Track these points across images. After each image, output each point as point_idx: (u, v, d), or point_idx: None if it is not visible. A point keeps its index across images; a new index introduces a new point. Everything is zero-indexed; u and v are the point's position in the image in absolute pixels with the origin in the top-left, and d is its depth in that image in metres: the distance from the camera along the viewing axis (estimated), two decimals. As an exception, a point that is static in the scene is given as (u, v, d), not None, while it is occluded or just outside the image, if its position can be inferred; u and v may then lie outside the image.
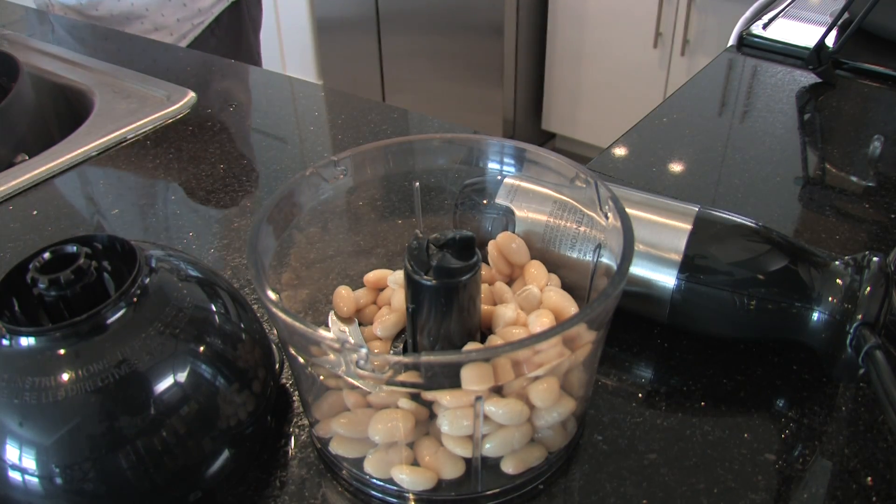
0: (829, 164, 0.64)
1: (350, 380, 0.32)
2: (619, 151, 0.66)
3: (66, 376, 0.32)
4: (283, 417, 0.40)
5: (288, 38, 2.65)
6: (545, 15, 2.26)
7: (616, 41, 2.17)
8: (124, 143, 0.68)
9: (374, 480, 0.36)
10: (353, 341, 0.41)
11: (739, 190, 0.59)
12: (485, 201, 0.45)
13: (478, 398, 0.32)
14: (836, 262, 0.40)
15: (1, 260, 0.54)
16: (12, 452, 0.32)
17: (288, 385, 0.42)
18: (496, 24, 2.16)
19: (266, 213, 0.37)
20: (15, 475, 0.32)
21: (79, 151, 0.65)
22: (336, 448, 0.36)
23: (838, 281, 0.39)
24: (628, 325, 0.44)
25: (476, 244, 0.36)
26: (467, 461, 0.34)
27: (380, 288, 0.43)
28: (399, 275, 0.42)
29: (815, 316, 0.39)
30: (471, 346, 0.37)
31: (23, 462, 0.32)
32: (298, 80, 0.81)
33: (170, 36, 1.10)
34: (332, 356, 0.31)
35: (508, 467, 0.35)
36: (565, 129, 2.44)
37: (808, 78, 0.76)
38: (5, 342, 0.33)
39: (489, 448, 0.34)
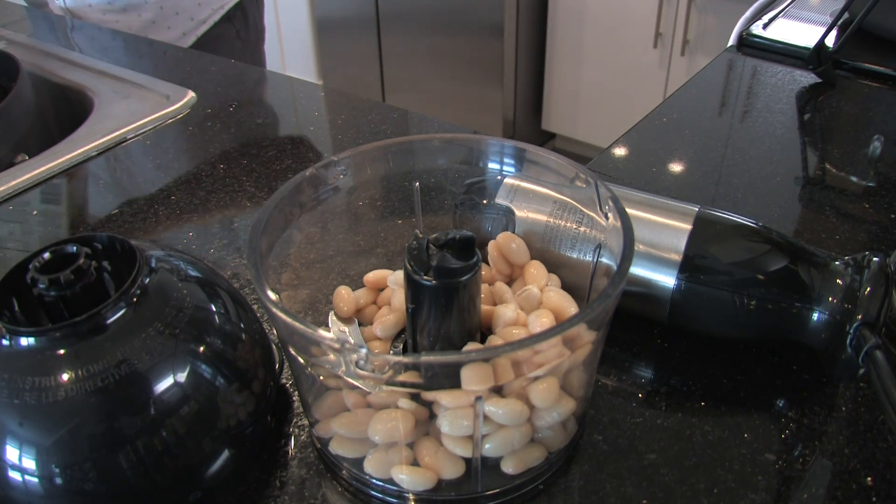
0: (829, 164, 0.64)
1: (350, 380, 0.32)
2: (619, 151, 0.66)
3: (66, 376, 0.32)
4: (283, 417, 0.40)
5: (288, 38, 2.65)
6: (545, 15, 2.26)
7: (616, 41, 2.17)
8: (124, 143, 0.68)
9: (374, 480, 0.36)
10: (353, 341, 0.41)
11: (739, 190, 0.60)
12: (485, 201, 0.45)
13: (478, 398, 0.32)
14: (836, 262, 0.40)
15: (1, 260, 0.54)
16: (12, 452, 0.32)
17: (288, 385, 0.42)
18: (496, 24, 2.16)
19: (266, 214, 0.37)
20: (15, 475, 0.32)
21: (79, 151, 0.65)
22: (336, 448, 0.36)
23: (838, 281, 0.39)
24: (628, 325, 0.44)
25: (476, 244, 0.36)
26: (467, 461, 0.34)
27: (380, 288, 0.43)
28: (399, 275, 0.42)
29: (815, 316, 0.39)
30: (471, 346, 0.37)
31: (23, 462, 0.32)
32: (298, 80, 0.81)
33: (190, 21, 1.08)
34: (332, 356, 0.31)
35: (508, 467, 0.35)
36: (565, 129, 2.44)
37: (808, 78, 0.76)
38: (5, 342, 0.33)
39: (489, 448, 0.34)
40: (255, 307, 0.44)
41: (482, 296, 0.38)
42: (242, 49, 1.16)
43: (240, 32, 1.15)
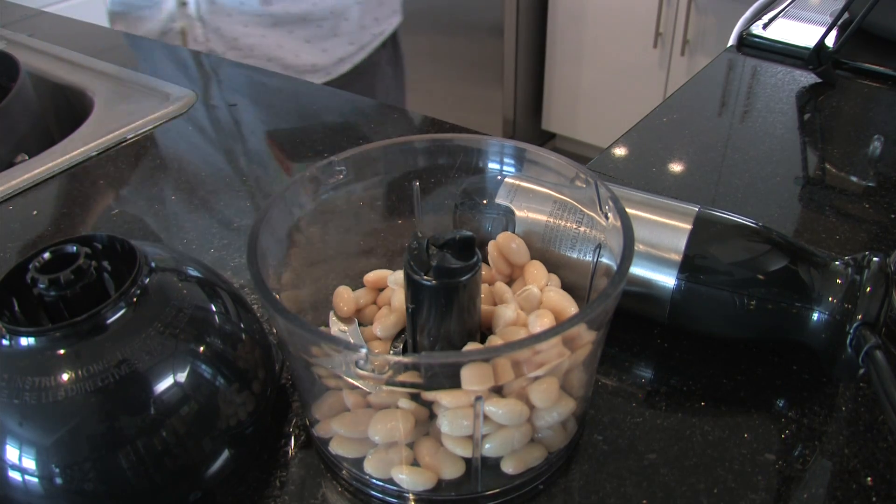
0: (829, 164, 0.64)
1: (350, 380, 0.32)
2: (619, 151, 0.66)
3: (66, 376, 0.32)
4: (283, 417, 0.40)
5: (288, 38, 2.64)
6: (545, 15, 2.26)
7: (616, 41, 2.17)
8: (124, 143, 0.68)
9: (374, 480, 0.36)
10: (353, 341, 0.41)
11: (739, 190, 0.60)
12: (485, 201, 0.45)
13: (478, 398, 0.32)
14: (836, 262, 0.40)
15: (1, 260, 0.54)
16: (12, 452, 0.32)
17: (288, 385, 0.42)
18: (496, 24, 2.16)
19: (266, 213, 0.37)
20: (15, 475, 0.32)
21: (79, 151, 0.66)
22: (336, 448, 0.36)
23: (838, 281, 0.39)
24: (628, 325, 0.44)
25: (476, 244, 0.36)
26: (467, 461, 0.34)
27: (380, 288, 0.43)
28: (399, 275, 0.42)
29: (815, 316, 0.39)
30: (471, 346, 0.37)
31: (23, 462, 0.32)
32: (298, 80, 0.81)
33: (349, 45, 0.97)
34: (332, 356, 0.31)
35: (508, 467, 0.35)
36: (565, 129, 2.44)
37: (808, 78, 0.76)
38: (5, 342, 0.33)
39: (489, 448, 0.34)
40: (255, 307, 0.44)
41: (482, 296, 0.38)
42: (392, 75, 1.06)
43: (391, 58, 1.05)
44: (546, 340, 0.30)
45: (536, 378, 0.33)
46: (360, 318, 0.43)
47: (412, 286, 0.36)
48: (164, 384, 0.33)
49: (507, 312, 0.38)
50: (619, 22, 2.13)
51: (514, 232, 0.44)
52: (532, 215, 0.43)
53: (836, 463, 0.37)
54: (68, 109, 0.80)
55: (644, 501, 0.36)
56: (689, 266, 0.41)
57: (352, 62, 0.98)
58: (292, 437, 0.39)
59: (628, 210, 0.36)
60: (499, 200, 0.44)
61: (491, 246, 0.42)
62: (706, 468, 0.37)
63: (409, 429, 0.33)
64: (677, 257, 0.41)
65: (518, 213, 0.44)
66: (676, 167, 0.64)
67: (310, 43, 0.93)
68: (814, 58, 0.73)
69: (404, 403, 0.33)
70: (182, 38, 0.92)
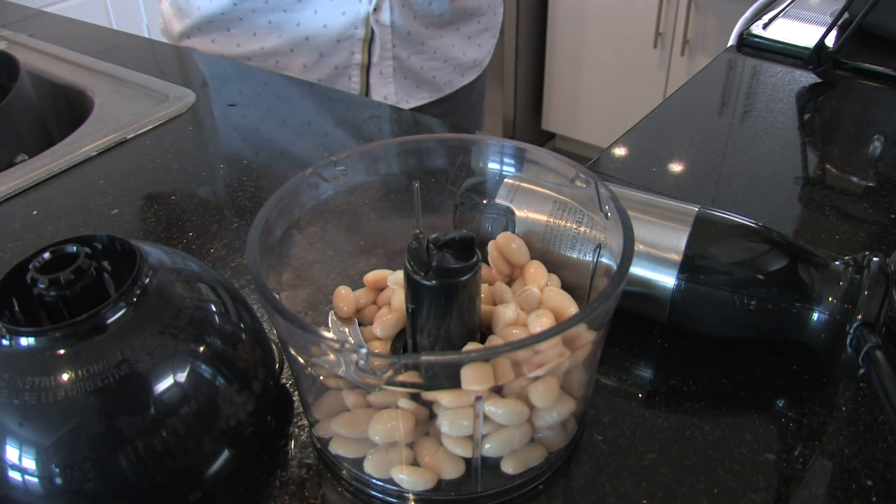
0: (829, 164, 0.64)
1: (350, 380, 0.32)
2: (619, 151, 0.66)
3: (66, 376, 0.32)
4: (283, 417, 0.40)
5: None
6: (545, 15, 2.26)
7: (616, 41, 2.17)
8: (124, 143, 0.68)
9: (374, 480, 0.36)
10: (353, 341, 0.41)
11: (739, 190, 0.60)
12: (485, 201, 0.45)
13: (478, 398, 0.32)
14: (836, 262, 0.40)
15: (1, 260, 0.54)
16: (12, 452, 0.32)
17: (288, 385, 0.42)
18: (496, 24, 2.16)
19: (266, 213, 0.37)
20: (15, 475, 0.32)
21: (79, 151, 0.65)
22: (336, 448, 0.36)
23: (838, 281, 0.39)
24: (628, 325, 0.44)
25: (476, 244, 0.36)
26: (467, 461, 0.34)
27: (380, 288, 0.43)
28: (399, 275, 0.42)
29: (815, 316, 0.39)
30: (471, 346, 0.37)
31: (23, 462, 0.32)
32: (298, 79, 0.81)
33: (493, 38, 0.97)
34: (332, 356, 0.31)
35: (508, 467, 0.35)
36: (565, 129, 2.44)
37: (808, 78, 0.76)
38: (5, 342, 0.33)
39: (489, 448, 0.34)
40: (255, 307, 0.44)
41: (482, 296, 0.38)
42: (483, 83, 1.04)
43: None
44: (546, 340, 0.30)
45: (536, 378, 0.33)
46: (360, 318, 0.43)
47: (412, 286, 0.36)
48: (164, 384, 0.33)
49: (507, 312, 0.38)
50: (618, 22, 2.13)
51: (514, 232, 0.44)
52: (532, 215, 0.43)
53: (836, 463, 0.37)
54: (68, 109, 0.80)
55: (644, 501, 0.36)
56: (689, 266, 0.41)
57: (491, 55, 0.99)
58: (292, 437, 0.39)
59: (628, 210, 0.36)
60: (499, 200, 0.44)
61: (491, 246, 0.42)
62: (706, 468, 0.37)
63: (409, 429, 0.33)
64: (677, 257, 0.41)
65: (518, 213, 0.44)
66: (676, 167, 0.64)
67: (470, 39, 0.93)
68: (814, 58, 0.73)
69: (404, 403, 0.33)
70: (363, 47, 0.85)
